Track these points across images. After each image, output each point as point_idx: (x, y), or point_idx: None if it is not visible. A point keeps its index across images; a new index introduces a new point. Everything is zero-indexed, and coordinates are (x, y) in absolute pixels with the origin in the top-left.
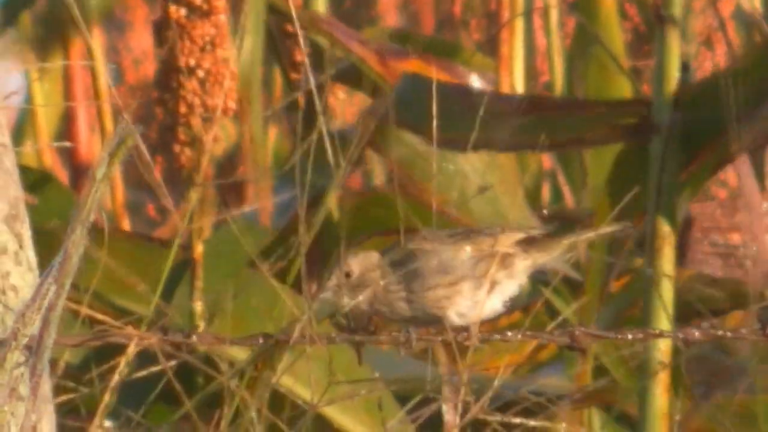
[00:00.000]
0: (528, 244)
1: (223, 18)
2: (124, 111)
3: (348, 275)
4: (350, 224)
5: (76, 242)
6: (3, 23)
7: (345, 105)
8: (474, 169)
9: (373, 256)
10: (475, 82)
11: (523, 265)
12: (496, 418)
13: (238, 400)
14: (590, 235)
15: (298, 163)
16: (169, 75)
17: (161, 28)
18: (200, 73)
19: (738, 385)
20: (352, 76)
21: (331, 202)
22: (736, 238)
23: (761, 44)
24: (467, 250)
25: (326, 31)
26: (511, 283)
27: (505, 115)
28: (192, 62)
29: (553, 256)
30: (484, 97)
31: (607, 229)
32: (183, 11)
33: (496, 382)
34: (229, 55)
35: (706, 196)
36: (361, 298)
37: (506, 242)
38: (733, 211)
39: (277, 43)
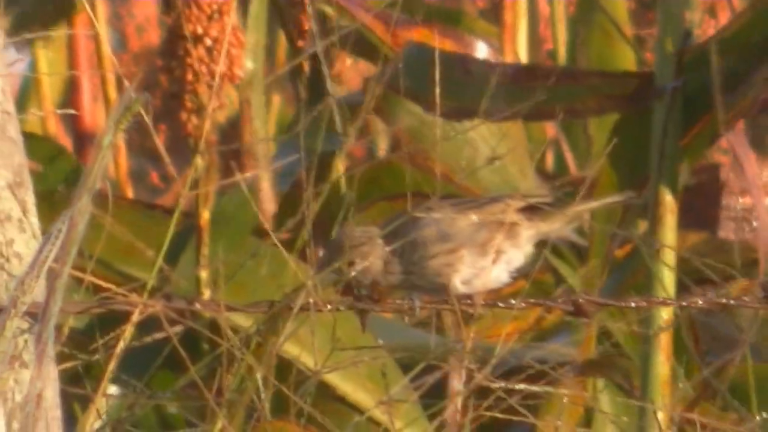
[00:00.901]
0: (532, 213)
1: None
2: (127, 79)
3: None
4: (357, 192)
5: (82, 210)
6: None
7: (350, 72)
8: (482, 138)
9: (371, 231)
10: (482, 49)
11: (527, 234)
12: (499, 384)
13: (243, 367)
14: (594, 204)
15: (302, 128)
16: (175, 43)
17: None
18: (207, 41)
19: (741, 353)
20: (358, 44)
21: (338, 168)
22: (748, 201)
23: (752, 9)
24: (467, 217)
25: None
26: (516, 253)
27: (504, 85)
28: (199, 30)
29: (557, 226)
30: (485, 66)
31: (611, 198)
32: None
33: (498, 349)
34: (236, 23)
35: (709, 162)
36: (354, 273)
37: (510, 210)
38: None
39: (282, 10)
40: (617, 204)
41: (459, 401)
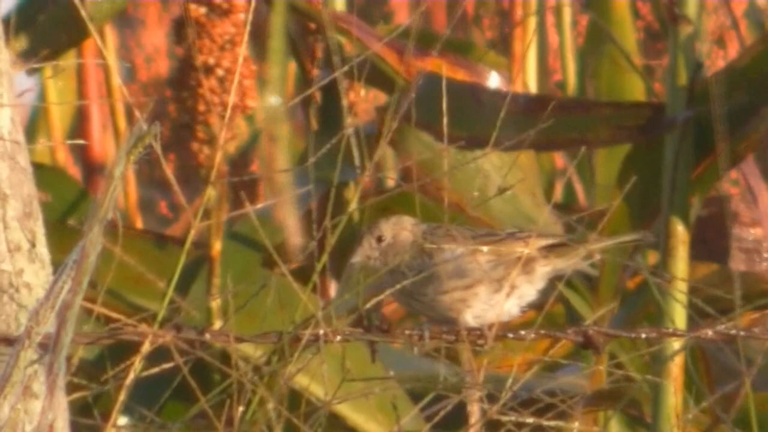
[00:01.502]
0: (548, 249)
1: (242, 16)
2: (137, 110)
3: (380, 239)
4: (368, 221)
5: (93, 241)
6: (18, 26)
7: (361, 102)
8: (494, 168)
9: (406, 219)
10: (494, 79)
11: (542, 271)
12: (510, 417)
13: (254, 397)
14: (610, 243)
15: (312, 158)
16: (187, 73)
17: (180, 27)
18: (219, 72)
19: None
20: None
21: (349, 199)
22: (759, 232)
23: (763, 41)
24: (485, 254)
25: (345, 29)
26: (529, 288)
27: (516, 115)
28: (211, 61)
29: (572, 263)
30: (497, 96)
31: (626, 237)
32: (202, 10)
33: (509, 382)
34: (247, 54)
35: (720, 194)
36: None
37: (530, 248)
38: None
39: (294, 40)
40: (632, 242)
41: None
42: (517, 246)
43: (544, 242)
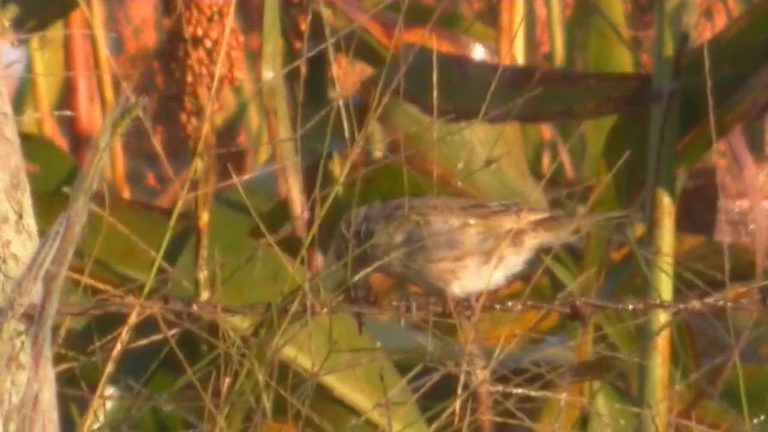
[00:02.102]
0: (537, 222)
1: None
2: (125, 81)
3: (358, 234)
4: (353, 194)
5: (78, 211)
6: None
7: (346, 74)
8: (479, 141)
9: (374, 205)
10: (479, 52)
11: (531, 244)
12: (497, 388)
13: (242, 368)
14: (598, 218)
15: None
16: (175, 45)
17: None
18: (207, 43)
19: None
20: (355, 46)
21: (335, 171)
22: (745, 204)
23: (750, 13)
24: (476, 227)
25: (330, 1)
26: (516, 259)
27: (502, 87)
28: (199, 32)
29: (560, 236)
30: (483, 68)
31: (614, 214)
32: None
33: (497, 353)
34: (235, 25)
35: (706, 166)
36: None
37: (521, 223)
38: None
39: (280, 13)
40: (619, 218)
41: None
42: (508, 219)
43: (534, 217)
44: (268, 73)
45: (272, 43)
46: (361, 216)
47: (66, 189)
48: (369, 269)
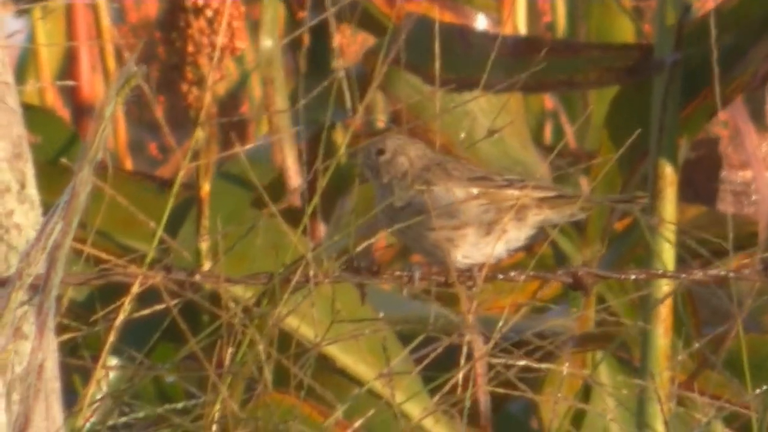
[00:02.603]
0: (542, 199)
1: None
2: (127, 51)
3: (380, 152)
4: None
5: (83, 181)
6: None
7: (349, 44)
8: (481, 111)
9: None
10: (481, 22)
11: (534, 220)
12: (500, 360)
13: (244, 339)
14: (603, 199)
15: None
16: (176, 14)
17: None
18: (208, 13)
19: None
20: (358, 16)
21: (338, 141)
22: (747, 174)
23: None
24: (478, 199)
25: None
26: (518, 234)
27: (504, 57)
28: (200, 2)
29: (563, 215)
30: (485, 38)
31: (619, 197)
32: None
33: (500, 325)
34: None
35: (708, 136)
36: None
37: (524, 199)
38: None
39: None
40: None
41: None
42: (512, 194)
43: (539, 194)
44: (267, 42)
45: (271, 11)
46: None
47: (64, 160)
48: (372, 239)
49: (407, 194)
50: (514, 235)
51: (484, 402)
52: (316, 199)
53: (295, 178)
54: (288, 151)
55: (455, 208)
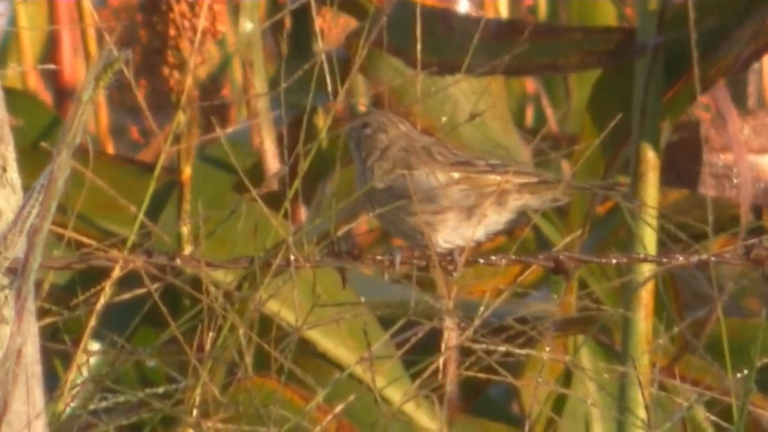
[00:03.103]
0: (522, 184)
1: None
2: (108, 34)
3: (364, 126)
4: (338, 147)
5: (62, 165)
6: None
7: (330, 27)
8: (463, 94)
9: (393, 123)
10: (463, 5)
11: (514, 204)
12: (481, 346)
13: (225, 323)
14: (584, 186)
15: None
16: None
17: None
18: None
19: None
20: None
21: (319, 124)
22: (729, 158)
23: None
24: (459, 183)
25: None
26: (498, 218)
27: (487, 40)
28: None
29: (544, 200)
30: (467, 22)
31: (600, 184)
32: None
33: (481, 310)
34: None
35: (690, 119)
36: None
37: (506, 184)
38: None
39: None
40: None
41: (449, 359)
42: (493, 179)
43: (521, 180)
44: (247, 25)
45: None
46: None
47: (45, 144)
48: (353, 224)
49: (388, 177)
50: (494, 219)
51: (452, 389)
52: (297, 183)
53: (273, 162)
54: (266, 135)
55: (436, 192)
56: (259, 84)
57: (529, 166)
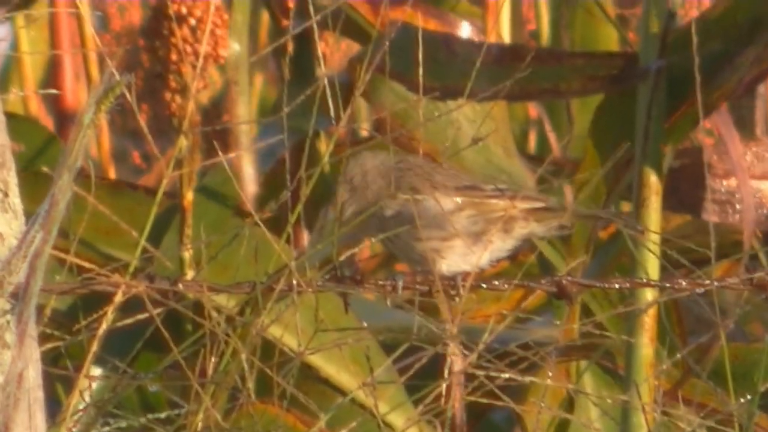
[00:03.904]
0: (528, 212)
1: None
2: (110, 59)
3: (351, 180)
4: (339, 171)
5: (63, 189)
6: None
7: (333, 52)
8: (466, 118)
9: (368, 156)
10: (466, 30)
11: (520, 232)
12: (484, 372)
13: (227, 348)
14: (591, 214)
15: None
16: (159, 22)
17: None
18: (191, 21)
19: (723, 334)
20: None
21: (321, 149)
22: (732, 183)
23: None
24: (466, 210)
25: None
26: (503, 245)
27: (489, 65)
28: (184, 10)
29: (550, 228)
30: (469, 47)
31: (607, 213)
32: None
33: (486, 336)
34: (219, 3)
35: (693, 144)
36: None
37: (514, 210)
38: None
39: None
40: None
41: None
42: (500, 205)
43: (527, 205)
44: (235, 46)
45: (242, 13)
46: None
47: (46, 168)
48: (356, 248)
49: (396, 203)
50: (499, 246)
51: (460, 415)
52: (299, 208)
53: (251, 186)
54: (245, 159)
55: (444, 219)
56: (243, 105)
57: (535, 192)
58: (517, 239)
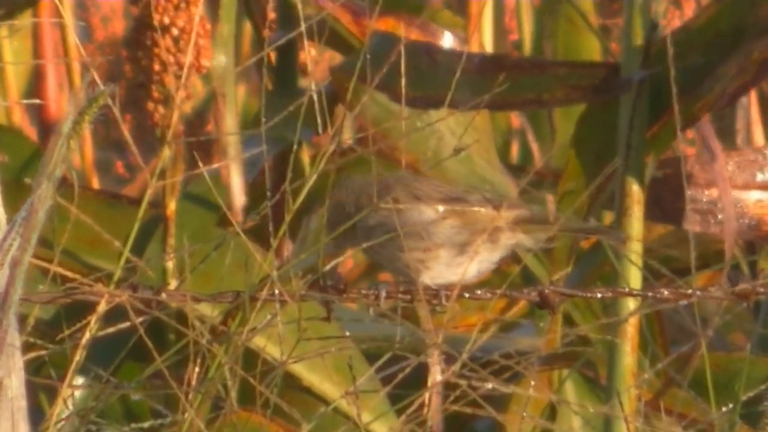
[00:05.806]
0: (515, 223)
1: None
2: (93, 69)
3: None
4: (323, 182)
5: (42, 197)
6: None
7: (316, 62)
8: (448, 128)
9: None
10: (448, 40)
11: (506, 243)
12: (466, 381)
13: (210, 357)
14: (578, 228)
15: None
16: (142, 33)
17: None
18: (174, 31)
19: (704, 344)
20: (324, 34)
21: (304, 159)
22: (714, 193)
23: (719, 1)
24: (451, 220)
25: None
26: (489, 256)
27: (471, 75)
28: (166, 20)
29: (536, 240)
30: (451, 56)
31: (595, 227)
32: None
33: (469, 345)
34: (202, 13)
35: (675, 154)
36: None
37: (500, 220)
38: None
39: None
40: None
41: (434, 392)
42: (487, 215)
43: (513, 213)
44: (221, 57)
45: (228, 25)
46: (353, 188)
47: (28, 180)
48: (339, 258)
49: (379, 214)
50: (486, 257)
51: (437, 424)
52: (287, 219)
53: (239, 197)
54: (233, 169)
55: (427, 229)
56: (230, 117)
57: (521, 202)
58: (504, 250)
